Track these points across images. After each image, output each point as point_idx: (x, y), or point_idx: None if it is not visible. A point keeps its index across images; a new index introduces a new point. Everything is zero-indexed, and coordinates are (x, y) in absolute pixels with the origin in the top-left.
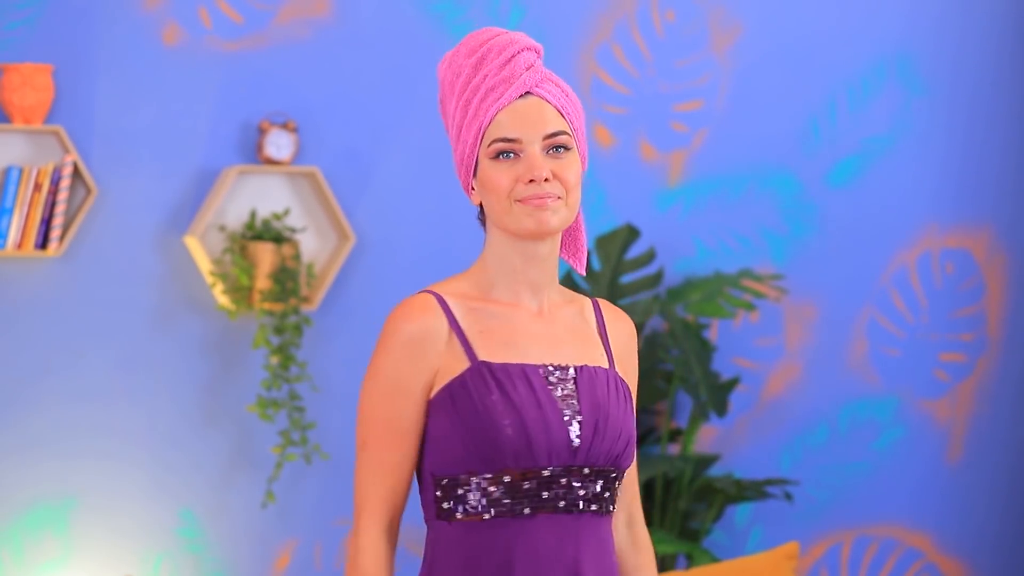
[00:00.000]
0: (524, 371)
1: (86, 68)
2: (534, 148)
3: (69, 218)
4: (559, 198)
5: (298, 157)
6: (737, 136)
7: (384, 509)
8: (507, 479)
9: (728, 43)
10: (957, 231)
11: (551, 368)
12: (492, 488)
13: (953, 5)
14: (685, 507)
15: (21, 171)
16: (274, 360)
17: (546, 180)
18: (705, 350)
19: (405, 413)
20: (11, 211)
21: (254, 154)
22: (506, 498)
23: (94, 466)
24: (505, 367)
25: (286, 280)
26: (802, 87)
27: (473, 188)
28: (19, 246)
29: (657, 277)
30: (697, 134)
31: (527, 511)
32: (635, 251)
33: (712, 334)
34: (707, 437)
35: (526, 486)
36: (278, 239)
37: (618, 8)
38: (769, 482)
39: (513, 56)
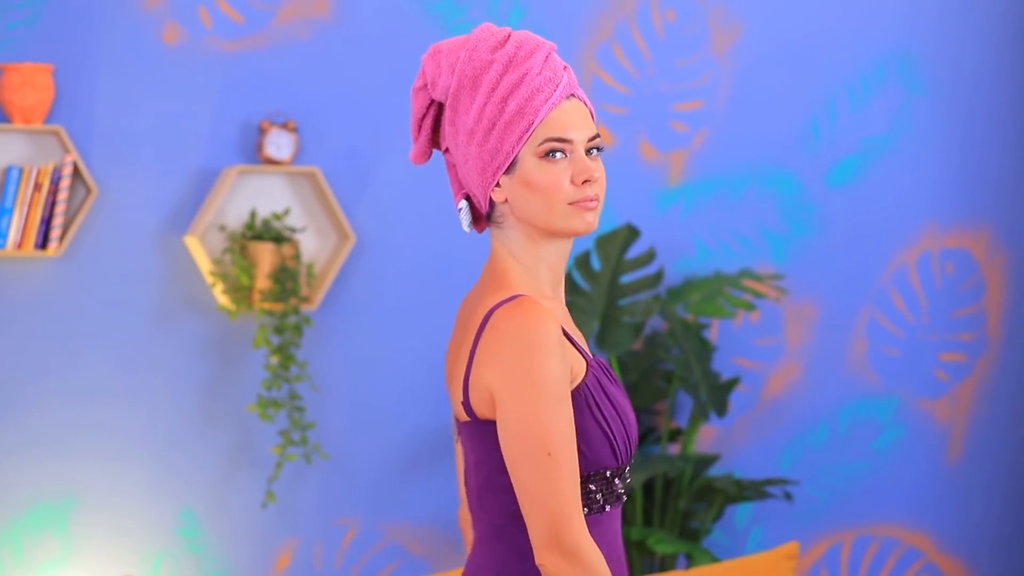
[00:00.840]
0: (601, 363)
1: (86, 68)
2: (581, 150)
3: (69, 218)
4: (597, 199)
5: (298, 157)
6: (737, 136)
7: (581, 510)
8: (627, 470)
9: (728, 43)
10: (957, 231)
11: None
12: (616, 480)
13: (953, 5)
14: (685, 507)
15: (21, 171)
16: (274, 360)
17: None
18: (705, 350)
19: (571, 415)
20: (11, 211)
21: (254, 154)
22: (619, 489)
23: (94, 466)
24: (601, 362)
25: (286, 280)
26: (802, 87)
27: (498, 185)
28: (19, 246)
29: (657, 277)
30: (697, 134)
31: (625, 499)
32: (635, 251)
33: (712, 334)
34: (707, 437)
35: (627, 475)
36: (278, 239)
37: (618, 8)
38: (769, 482)
39: (548, 56)
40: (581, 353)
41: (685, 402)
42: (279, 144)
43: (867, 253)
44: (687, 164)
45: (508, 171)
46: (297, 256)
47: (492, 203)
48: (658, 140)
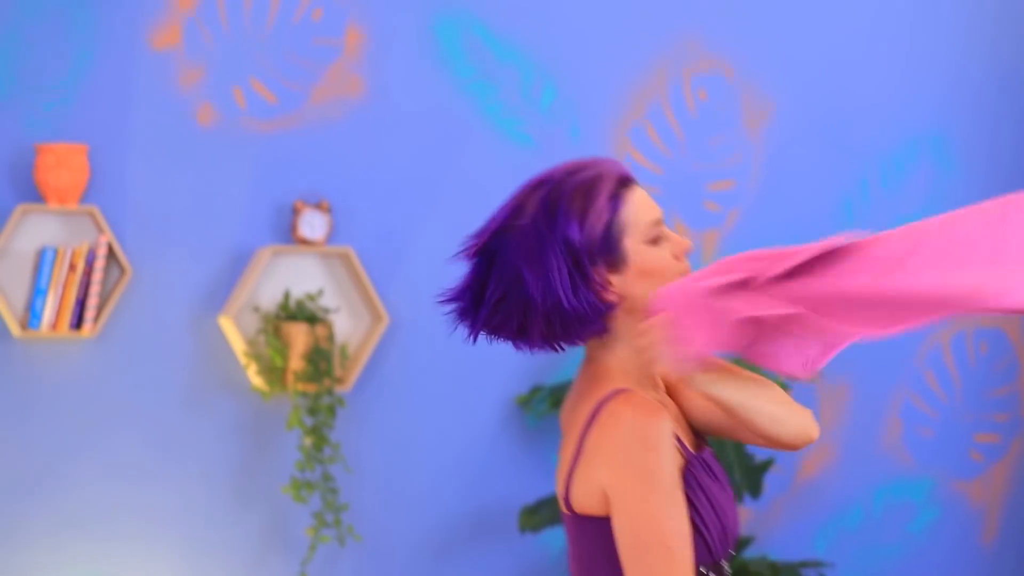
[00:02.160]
0: (705, 458)
1: (121, 148)
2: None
3: (103, 298)
4: None
5: (332, 237)
6: (770, 215)
7: None
8: (723, 562)
9: (760, 122)
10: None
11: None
12: (711, 575)
13: (986, 85)
14: None
15: (56, 252)
16: (308, 441)
17: None
18: None
19: (685, 510)
20: (46, 291)
21: (288, 234)
22: None
23: (128, 547)
24: (702, 457)
25: (320, 361)
26: (835, 166)
27: (609, 285)
28: (54, 327)
29: None
30: (730, 213)
31: None
32: None
33: None
34: (741, 519)
35: (724, 568)
36: (312, 319)
37: (651, 88)
38: (804, 564)
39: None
40: (683, 449)
41: None
42: (313, 224)
43: (901, 334)
44: (720, 243)
45: (616, 270)
46: (331, 337)
47: (605, 317)
48: (691, 219)
